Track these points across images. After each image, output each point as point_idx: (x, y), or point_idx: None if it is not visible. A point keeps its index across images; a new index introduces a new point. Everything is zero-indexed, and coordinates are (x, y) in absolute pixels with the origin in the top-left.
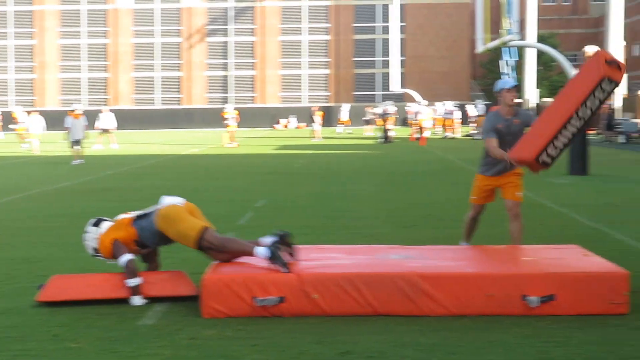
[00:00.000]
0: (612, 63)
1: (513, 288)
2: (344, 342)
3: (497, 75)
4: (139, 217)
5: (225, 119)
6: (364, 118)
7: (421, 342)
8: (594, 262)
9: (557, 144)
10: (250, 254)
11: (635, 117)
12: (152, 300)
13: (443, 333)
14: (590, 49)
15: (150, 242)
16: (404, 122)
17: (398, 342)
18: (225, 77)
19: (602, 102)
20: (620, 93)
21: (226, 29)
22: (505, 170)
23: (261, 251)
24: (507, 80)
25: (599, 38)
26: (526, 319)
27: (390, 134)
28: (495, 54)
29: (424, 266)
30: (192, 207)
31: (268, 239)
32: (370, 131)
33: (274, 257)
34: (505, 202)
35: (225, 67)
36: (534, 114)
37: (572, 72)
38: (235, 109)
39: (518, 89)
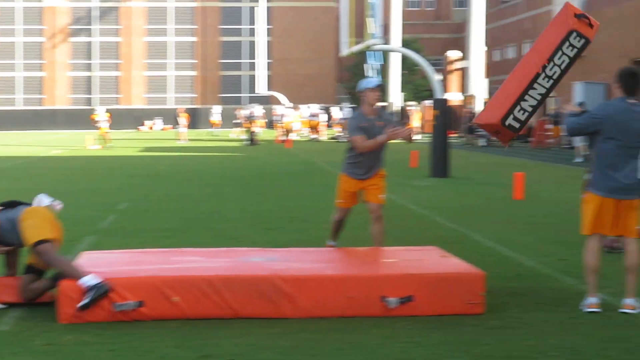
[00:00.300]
0: (582, 17)
1: (372, 289)
2: (205, 345)
3: (363, 78)
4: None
5: (96, 121)
6: (234, 121)
7: (281, 344)
8: (452, 264)
9: (524, 106)
10: (76, 279)
11: None
12: (10, 305)
13: (303, 335)
14: (453, 54)
15: (10, 239)
16: (270, 124)
17: (258, 345)
18: (89, 78)
19: (572, 60)
20: (481, 97)
21: (90, 29)
22: (370, 173)
23: (86, 281)
24: (370, 79)
25: (461, 43)
26: (386, 320)
27: (256, 136)
28: (360, 58)
29: (285, 268)
30: (57, 223)
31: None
32: (236, 134)
33: (91, 301)
34: (368, 204)
35: (89, 67)
36: (395, 117)
37: (435, 76)
38: (107, 110)
39: (381, 88)
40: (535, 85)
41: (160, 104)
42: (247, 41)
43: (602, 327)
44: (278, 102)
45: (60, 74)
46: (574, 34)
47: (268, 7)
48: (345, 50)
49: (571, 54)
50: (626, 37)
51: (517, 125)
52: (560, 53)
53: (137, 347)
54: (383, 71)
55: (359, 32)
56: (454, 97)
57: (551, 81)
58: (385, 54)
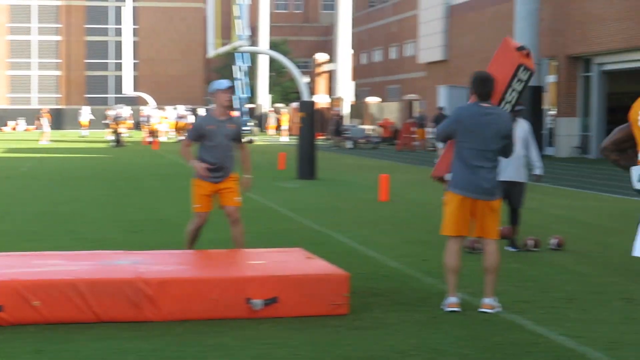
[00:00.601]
0: (522, 49)
1: (237, 291)
2: (65, 351)
3: (231, 80)
4: None
5: None
6: (103, 121)
7: (143, 347)
8: (316, 265)
9: None
10: None
11: (363, 124)
12: None
13: (166, 338)
14: (320, 56)
15: None
16: (138, 125)
17: (120, 349)
18: None
19: (520, 94)
20: (348, 100)
21: None
22: (222, 175)
23: None
24: (221, 81)
25: (329, 46)
26: (250, 322)
27: (122, 137)
28: (228, 59)
29: (148, 271)
30: None
31: None
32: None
33: None
34: (224, 208)
35: None
36: (255, 121)
37: (302, 78)
38: None
39: (233, 90)
40: None
41: (24, 104)
42: (113, 41)
43: (462, 326)
44: (145, 103)
45: None
46: (522, 68)
47: (134, 7)
48: (212, 51)
49: (519, 88)
50: (488, 42)
51: None
52: (511, 90)
53: None
54: (251, 73)
55: (227, 33)
56: (321, 99)
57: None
58: (254, 56)
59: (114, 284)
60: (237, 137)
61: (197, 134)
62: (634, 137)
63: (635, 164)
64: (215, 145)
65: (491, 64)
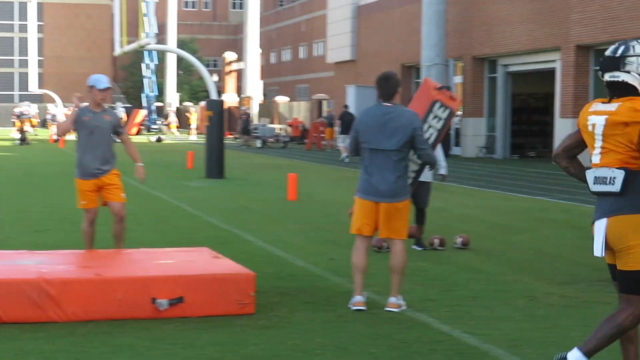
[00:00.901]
0: (442, 89)
1: (142, 291)
2: None
3: (139, 78)
4: None
5: None
6: (12, 119)
7: (45, 349)
8: (223, 264)
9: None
10: None
11: (272, 123)
12: None
13: (69, 339)
14: (229, 55)
15: None
16: (44, 123)
17: (21, 350)
18: None
19: (440, 132)
20: (257, 99)
21: None
22: (102, 169)
23: None
24: (100, 78)
25: (238, 45)
26: (156, 322)
27: (27, 135)
28: (137, 57)
29: (51, 272)
30: None
31: None
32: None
33: None
34: (110, 204)
35: None
36: (121, 120)
37: (210, 77)
38: None
39: (109, 91)
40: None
41: None
42: (18, 37)
43: (368, 325)
44: (52, 101)
45: None
46: (438, 104)
47: (39, 3)
48: (118, 49)
49: (438, 126)
50: (396, 43)
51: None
52: (427, 126)
53: None
54: (159, 71)
55: (135, 31)
56: (230, 98)
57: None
58: (162, 54)
59: (16, 285)
60: (115, 129)
61: (74, 124)
62: (584, 143)
63: (585, 169)
64: (93, 138)
65: (411, 102)
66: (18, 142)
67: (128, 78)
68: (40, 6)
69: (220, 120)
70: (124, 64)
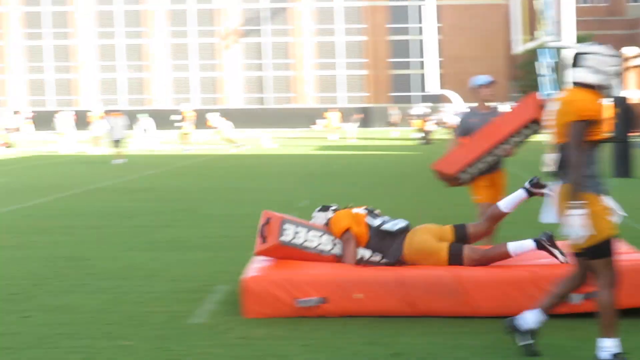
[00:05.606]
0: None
1: None
2: (396, 343)
3: (535, 76)
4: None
5: (182, 120)
6: (412, 120)
7: None
8: None
9: (478, 166)
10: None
11: None
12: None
13: None
14: (629, 50)
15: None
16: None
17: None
18: (260, 78)
19: (526, 137)
20: None
21: (260, 29)
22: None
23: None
24: (481, 77)
25: (636, 39)
26: (578, 320)
27: (430, 135)
28: (531, 56)
29: None
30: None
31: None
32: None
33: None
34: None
35: (260, 67)
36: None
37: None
38: (185, 110)
39: (494, 85)
40: (492, 152)
41: (331, 103)
42: (415, 40)
43: None
44: (449, 101)
45: (233, 74)
46: (534, 121)
47: (438, 6)
48: (518, 47)
49: (527, 133)
50: None
51: (464, 177)
52: (519, 133)
53: (329, 344)
54: (557, 69)
55: (529, 29)
56: (633, 94)
57: (503, 152)
58: (558, 51)
59: None
60: None
61: (464, 128)
62: None
63: None
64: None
65: (514, 108)
66: (423, 142)
67: (525, 77)
68: (437, 8)
69: (626, 117)
70: (519, 63)
